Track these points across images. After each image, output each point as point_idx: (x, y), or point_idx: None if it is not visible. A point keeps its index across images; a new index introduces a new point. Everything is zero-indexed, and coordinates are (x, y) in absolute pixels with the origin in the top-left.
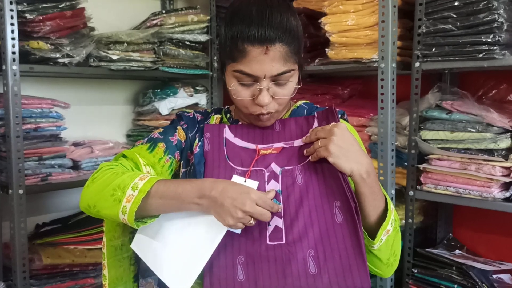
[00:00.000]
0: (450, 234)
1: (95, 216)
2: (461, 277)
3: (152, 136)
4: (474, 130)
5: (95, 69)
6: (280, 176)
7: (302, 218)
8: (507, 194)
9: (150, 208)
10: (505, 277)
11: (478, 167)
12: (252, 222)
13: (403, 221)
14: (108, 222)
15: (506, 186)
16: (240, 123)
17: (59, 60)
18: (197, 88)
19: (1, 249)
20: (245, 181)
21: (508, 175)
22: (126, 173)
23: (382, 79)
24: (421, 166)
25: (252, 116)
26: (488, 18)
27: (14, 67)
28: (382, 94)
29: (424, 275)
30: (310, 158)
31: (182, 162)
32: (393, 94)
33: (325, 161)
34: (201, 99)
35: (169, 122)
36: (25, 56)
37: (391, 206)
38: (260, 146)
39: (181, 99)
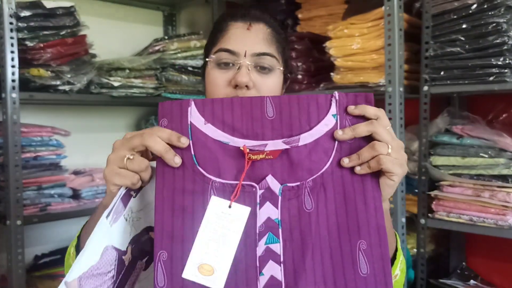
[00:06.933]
0: (464, 263)
1: None
2: None
3: None
4: (486, 156)
5: (96, 96)
6: (280, 199)
7: (311, 267)
8: None
9: None
10: None
11: (492, 193)
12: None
13: (415, 250)
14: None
15: None
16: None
17: (60, 88)
18: None
19: None
20: (229, 207)
21: None
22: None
23: (389, 104)
24: (432, 193)
25: None
26: (498, 41)
27: (14, 95)
28: (390, 118)
29: None
30: (344, 162)
31: None
32: (401, 118)
33: (351, 173)
34: None
35: None
36: (25, 84)
37: (399, 245)
38: (248, 144)
39: None
